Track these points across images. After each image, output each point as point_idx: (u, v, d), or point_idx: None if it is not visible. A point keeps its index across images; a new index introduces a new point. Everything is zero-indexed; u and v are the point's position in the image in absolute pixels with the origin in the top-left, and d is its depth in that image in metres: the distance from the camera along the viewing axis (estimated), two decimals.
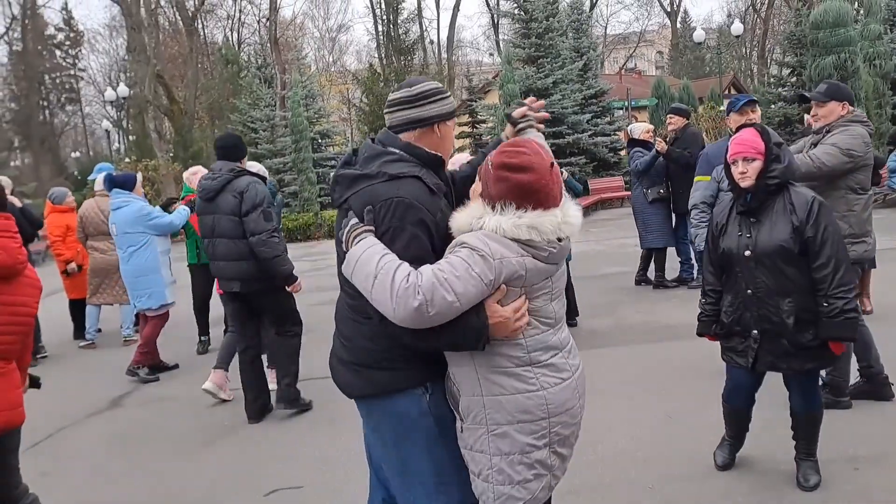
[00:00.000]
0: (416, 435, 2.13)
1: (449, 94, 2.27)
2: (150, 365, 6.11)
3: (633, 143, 8.10)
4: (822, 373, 3.95)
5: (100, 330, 7.64)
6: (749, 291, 3.13)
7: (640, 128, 8.24)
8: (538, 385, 2.05)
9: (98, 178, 7.40)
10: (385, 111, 2.26)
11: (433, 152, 2.17)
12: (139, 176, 6.48)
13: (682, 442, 3.85)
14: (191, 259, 6.86)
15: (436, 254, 2.04)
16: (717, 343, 3.41)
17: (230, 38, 40.52)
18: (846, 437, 3.70)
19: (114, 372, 6.39)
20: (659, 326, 5.93)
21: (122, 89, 26.42)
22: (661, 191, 7.63)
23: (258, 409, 4.79)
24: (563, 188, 2.10)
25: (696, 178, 5.49)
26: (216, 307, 7.14)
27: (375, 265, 1.94)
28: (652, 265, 7.93)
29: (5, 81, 43.84)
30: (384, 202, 2.02)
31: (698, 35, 29.08)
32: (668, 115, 7.88)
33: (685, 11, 52.95)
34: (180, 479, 4.02)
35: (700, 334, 3.44)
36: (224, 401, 5.23)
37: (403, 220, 2.00)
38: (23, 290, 2.64)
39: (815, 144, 3.96)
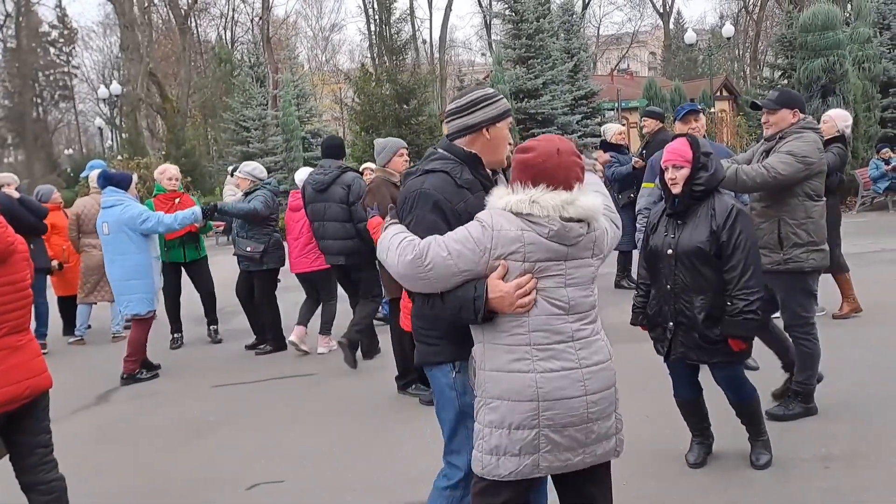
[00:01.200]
0: (445, 404, 2.44)
1: (497, 98, 2.46)
2: (143, 366, 6.10)
3: (605, 145, 8.17)
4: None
5: (89, 326, 7.67)
6: (668, 287, 3.40)
7: (612, 129, 8.31)
8: (531, 367, 2.15)
9: (93, 175, 7.43)
10: (444, 122, 2.56)
11: (469, 150, 2.41)
12: (135, 177, 6.46)
13: (659, 441, 3.91)
14: (192, 256, 6.93)
15: None
16: None
17: (223, 37, 40.50)
18: (817, 437, 3.79)
19: (101, 368, 6.43)
20: (638, 328, 6.00)
21: (116, 87, 26.33)
22: (631, 195, 7.69)
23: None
24: (581, 178, 2.22)
25: (642, 185, 5.57)
26: (186, 305, 7.24)
27: (390, 239, 2.25)
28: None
29: None
30: (411, 193, 2.34)
31: (690, 37, 29.21)
32: (643, 118, 7.93)
33: (678, 13, 53.18)
34: (165, 473, 4.07)
35: (632, 324, 3.71)
36: (305, 352, 6.31)
37: (423, 209, 2.29)
38: (18, 266, 2.81)
39: (767, 152, 3.97)
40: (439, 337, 2.38)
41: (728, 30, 28.32)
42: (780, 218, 3.86)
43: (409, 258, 2.15)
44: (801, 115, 3.95)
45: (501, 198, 2.20)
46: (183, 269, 7.08)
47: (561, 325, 2.18)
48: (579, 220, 2.17)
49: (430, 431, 4.18)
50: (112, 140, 34.21)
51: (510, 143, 2.49)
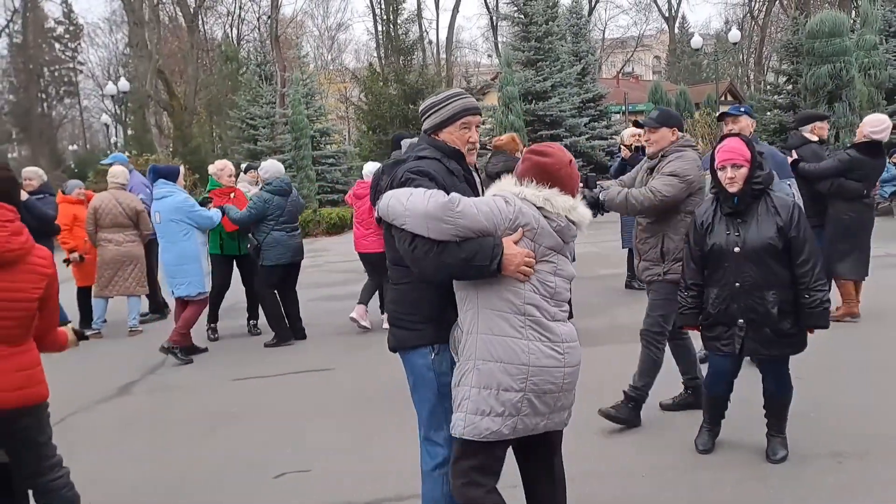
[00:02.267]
0: (424, 385, 2.63)
1: (442, 105, 2.66)
2: (183, 347, 6.40)
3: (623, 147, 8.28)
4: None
5: (105, 321, 7.77)
6: (737, 284, 3.44)
7: (627, 133, 8.42)
8: (525, 335, 2.39)
9: (113, 170, 7.62)
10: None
11: (452, 146, 2.65)
12: (182, 169, 6.87)
13: (674, 433, 4.01)
14: (213, 249, 7.05)
15: None
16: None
17: (230, 35, 40.61)
18: (831, 435, 3.89)
19: (120, 361, 6.54)
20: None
21: (123, 84, 26.44)
22: None
23: None
24: (575, 189, 2.53)
25: None
26: (229, 297, 7.38)
27: (412, 190, 2.41)
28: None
29: (5, 73, 43.81)
30: (411, 169, 2.53)
31: (696, 41, 29.31)
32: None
33: (683, 17, 53.29)
34: (191, 462, 4.16)
35: (681, 326, 3.82)
36: (366, 328, 6.91)
37: (424, 180, 2.47)
38: (21, 276, 2.71)
39: (651, 169, 4.07)
40: (420, 321, 2.57)
41: (735, 35, 28.38)
42: (664, 233, 3.97)
43: (443, 201, 2.33)
44: (680, 134, 4.06)
45: (513, 185, 2.47)
46: (235, 262, 7.25)
47: (547, 305, 2.44)
48: (577, 224, 2.48)
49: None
50: (117, 136, 34.36)
51: (471, 143, 2.66)
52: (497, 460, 2.49)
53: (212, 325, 7.27)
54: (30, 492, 2.87)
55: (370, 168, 7.26)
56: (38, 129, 43.60)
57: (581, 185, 3.33)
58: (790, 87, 19.98)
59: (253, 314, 7.47)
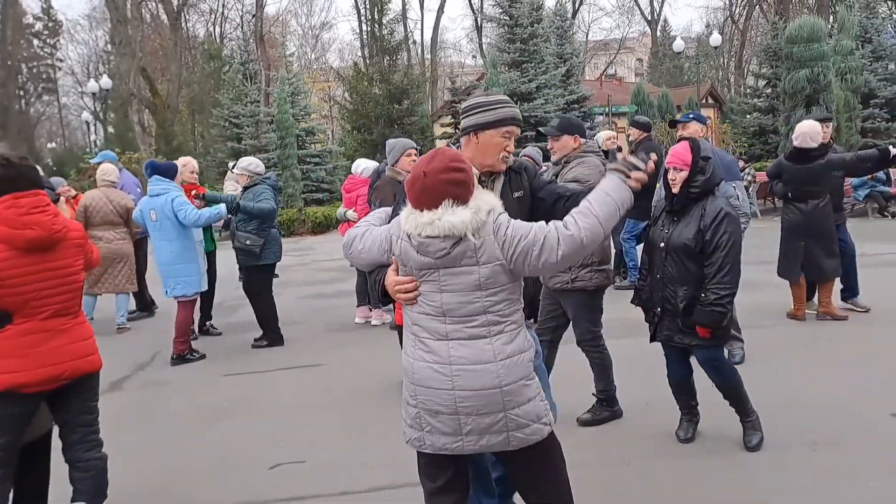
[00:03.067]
0: None
1: (493, 107, 2.64)
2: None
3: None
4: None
5: (92, 318, 7.78)
6: (658, 276, 3.75)
7: (603, 136, 8.68)
8: (413, 354, 2.39)
9: (102, 168, 7.62)
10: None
11: (461, 151, 2.66)
12: (180, 166, 6.74)
13: (659, 425, 4.14)
14: (208, 247, 7.10)
15: None
16: None
17: (213, 33, 40.39)
18: (806, 425, 4.05)
19: (109, 358, 6.44)
20: (623, 323, 6.24)
21: (105, 81, 26.23)
22: None
23: None
24: (453, 193, 2.25)
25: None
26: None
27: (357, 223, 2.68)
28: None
29: None
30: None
31: (677, 45, 29.62)
32: (629, 127, 8.31)
33: (665, 20, 53.76)
34: (186, 455, 4.24)
35: (631, 302, 4.06)
36: (374, 325, 7.15)
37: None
38: (69, 252, 3.01)
39: (555, 176, 4.09)
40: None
41: (716, 38, 28.79)
42: None
43: (344, 243, 2.62)
44: (583, 141, 4.14)
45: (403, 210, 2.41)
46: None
47: (436, 325, 2.33)
48: (443, 237, 2.25)
49: None
50: (96, 134, 34.06)
51: (507, 152, 2.64)
52: (432, 467, 2.45)
53: (206, 323, 7.34)
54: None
55: (362, 164, 7.40)
56: (16, 127, 43.10)
57: None
58: (769, 90, 20.32)
59: (207, 314, 7.41)
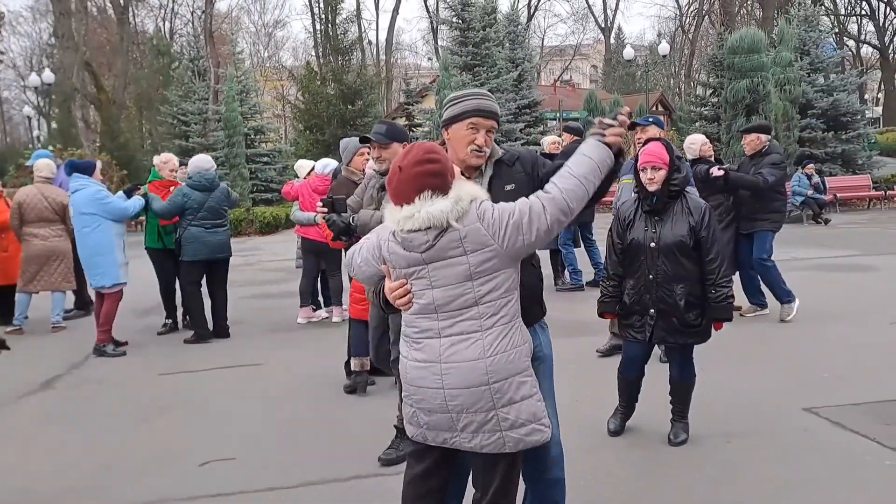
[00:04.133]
0: None
1: (459, 100, 2.62)
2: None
3: (543, 155, 8.75)
4: None
5: (27, 317, 7.61)
6: (651, 276, 3.75)
7: (548, 141, 8.93)
8: (407, 355, 2.39)
9: (38, 163, 7.47)
10: None
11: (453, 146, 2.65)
12: (99, 163, 6.86)
13: (585, 420, 4.27)
14: (152, 243, 7.07)
15: None
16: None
17: (162, 29, 39.62)
18: (723, 418, 4.25)
19: (43, 356, 6.44)
20: (574, 323, 6.41)
21: (48, 75, 25.51)
22: None
23: None
24: (431, 185, 2.23)
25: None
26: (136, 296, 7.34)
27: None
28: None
29: None
30: None
31: (628, 52, 30.36)
32: (562, 133, 8.60)
33: (619, 28, 54.93)
34: (117, 451, 4.20)
35: (601, 314, 4.01)
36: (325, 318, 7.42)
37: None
38: None
39: (383, 187, 3.69)
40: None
41: (664, 48, 29.51)
42: None
43: (346, 262, 2.60)
44: None
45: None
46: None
47: (428, 323, 2.32)
48: (425, 229, 2.23)
49: (377, 413, 4.47)
50: (40, 129, 33.06)
51: (476, 146, 2.56)
52: (419, 451, 2.47)
53: (168, 321, 7.29)
54: None
55: (325, 163, 7.48)
56: None
57: (326, 209, 3.53)
58: (715, 99, 20.89)
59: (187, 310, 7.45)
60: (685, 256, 3.69)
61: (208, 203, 6.73)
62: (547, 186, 2.32)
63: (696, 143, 6.70)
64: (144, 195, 6.74)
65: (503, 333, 2.28)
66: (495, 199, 2.39)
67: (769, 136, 6.72)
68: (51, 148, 17.62)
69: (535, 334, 2.57)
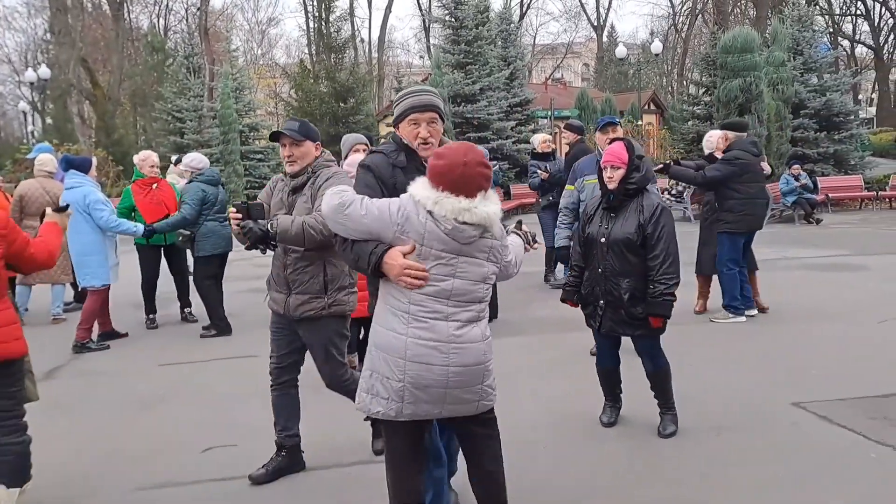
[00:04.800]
0: None
1: (398, 101, 2.89)
2: (102, 333, 6.60)
3: (534, 154, 8.93)
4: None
5: (27, 309, 7.67)
6: (600, 270, 3.92)
7: (539, 139, 9.05)
8: (406, 333, 2.51)
9: (39, 158, 7.54)
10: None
11: (405, 140, 2.85)
12: (95, 160, 6.89)
13: (582, 412, 4.39)
14: (138, 239, 7.12)
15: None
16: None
17: (156, 25, 39.53)
18: (714, 412, 4.36)
19: (43, 347, 6.47)
20: (564, 319, 6.51)
21: (44, 71, 25.45)
22: (551, 198, 8.35)
23: None
24: (485, 187, 2.52)
25: (565, 187, 6.12)
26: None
27: (333, 189, 2.63)
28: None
29: None
30: (359, 165, 2.92)
31: (620, 51, 30.41)
32: (564, 130, 8.71)
33: (612, 26, 54.99)
34: (118, 439, 4.29)
35: (563, 300, 4.21)
36: None
37: (364, 174, 2.83)
38: None
39: (295, 189, 3.54)
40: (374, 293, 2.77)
41: (656, 46, 29.66)
42: (325, 260, 3.45)
43: (335, 203, 2.53)
44: (323, 150, 3.64)
45: (417, 188, 2.53)
46: (163, 252, 7.32)
47: (439, 306, 2.51)
48: (475, 225, 2.48)
49: None
50: (33, 125, 32.98)
51: (421, 138, 2.77)
52: (398, 436, 2.64)
53: (150, 315, 7.36)
54: None
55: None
56: None
57: (240, 216, 3.27)
58: (708, 98, 20.97)
59: (185, 302, 7.55)
60: (631, 252, 3.82)
61: (220, 197, 6.84)
62: (514, 241, 2.83)
63: (711, 139, 6.89)
64: (151, 230, 6.71)
65: (486, 324, 2.66)
66: None
67: (739, 134, 6.66)
68: (55, 142, 17.68)
69: None
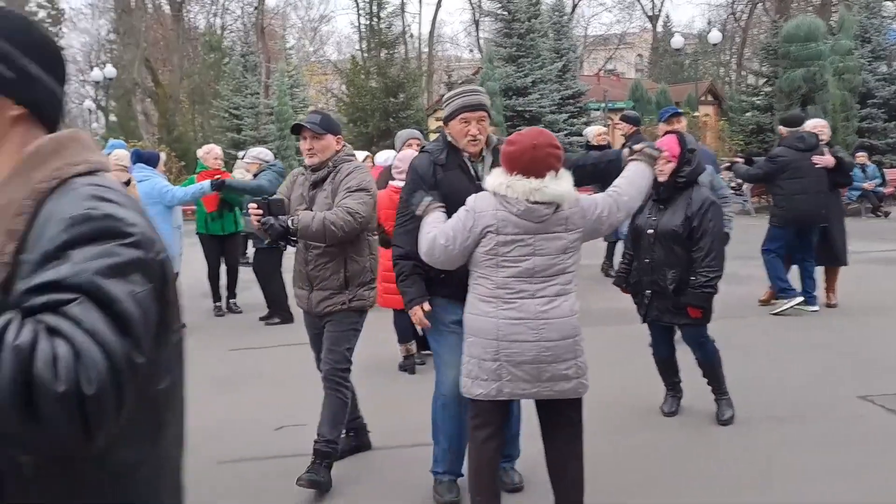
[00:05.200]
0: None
1: (449, 101, 3.11)
2: None
3: (589, 147, 8.88)
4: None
5: None
6: (647, 260, 3.99)
7: (593, 131, 8.98)
8: (497, 315, 2.70)
9: (113, 154, 7.86)
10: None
11: (451, 138, 3.13)
12: (163, 156, 7.20)
13: (641, 403, 4.42)
14: (199, 229, 7.41)
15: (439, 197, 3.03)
16: None
17: (213, 24, 40.50)
18: (776, 403, 4.35)
19: None
20: (622, 311, 6.50)
21: (109, 70, 26.42)
22: None
23: None
24: (555, 167, 2.67)
25: None
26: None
27: (423, 230, 2.92)
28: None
29: None
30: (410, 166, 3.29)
31: (676, 41, 29.74)
32: (619, 121, 8.61)
33: (667, 16, 53.93)
34: (200, 417, 4.35)
35: (615, 284, 4.35)
36: None
37: (411, 177, 3.17)
38: None
39: (315, 184, 3.51)
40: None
41: (715, 36, 28.88)
42: (347, 256, 3.43)
43: (426, 251, 2.84)
44: (344, 143, 3.59)
45: (491, 179, 2.74)
46: (221, 241, 7.58)
47: (524, 285, 2.68)
48: (548, 203, 2.64)
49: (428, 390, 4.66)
50: (97, 122, 34.20)
51: (471, 136, 3.01)
52: (494, 414, 2.82)
53: (217, 303, 7.65)
54: None
55: (387, 156, 7.61)
56: None
57: (261, 212, 3.22)
58: (768, 88, 20.45)
59: (232, 293, 7.78)
60: (678, 245, 3.88)
61: None
62: (615, 191, 2.83)
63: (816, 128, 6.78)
64: (221, 183, 6.80)
65: (575, 299, 2.77)
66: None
67: (792, 129, 6.69)
68: (122, 138, 18.37)
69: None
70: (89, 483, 1.03)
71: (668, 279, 3.91)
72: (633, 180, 2.86)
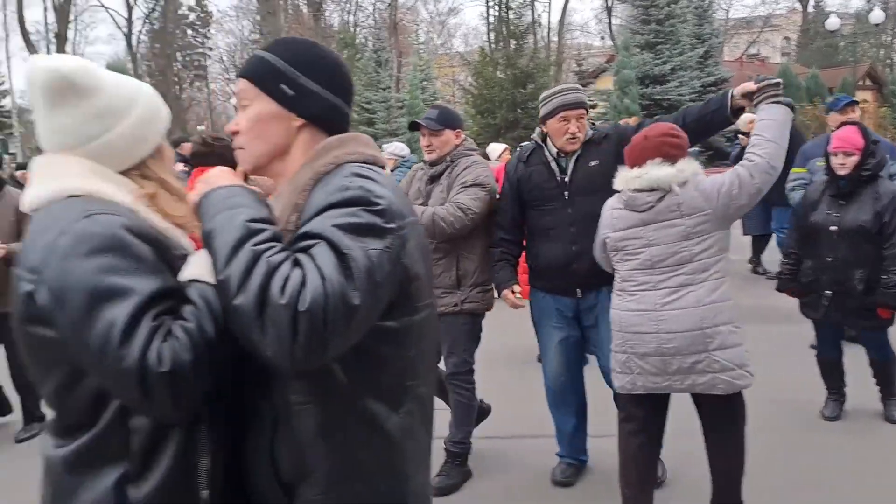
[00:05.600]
0: None
1: (546, 100, 3.14)
2: None
3: (737, 135, 8.38)
4: None
5: None
6: (829, 259, 3.69)
7: (745, 119, 8.37)
8: (620, 306, 2.72)
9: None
10: None
11: (547, 135, 3.21)
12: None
13: (795, 403, 4.17)
14: None
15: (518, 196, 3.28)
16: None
17: (348, 22, 41.92)
18: None
19: None
20: (771, 309, 6.09)
21: None
22: None
23: None
24: (667, 153, 2.59)
25: (792, 170, 5.61)
26: None
27: None
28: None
29: (143, 58, 47.24)
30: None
31: (832, 23, 27.34)
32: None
33: None
34: None
35: (779, 290, 4.03)
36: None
37: (506, 178, 3.36)
38: None
39: (433, 178, 3.39)
40: None
41: (877, 15, 26.37)
42: (459, 254, 3.29)
43: (598, 257, 2.93)
44: (464, 137, 3.44)
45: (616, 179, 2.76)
46: None
47: (645, 277, 2.65)
48: (648, 190, 2.59)
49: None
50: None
51: (570, 134, 3.06)
52: (635, 408, 2.79)
53: None
54: None
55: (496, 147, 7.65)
56: (175, 112, 46.80)
57: None
58: None
59: None
60: (867, 241, 3.62)
61: None
62: (747, 155, 2.60)
63: None
64: None
65: (715, 288, 2.58)
66: (579, 175, 3.06)
67: None
68: None
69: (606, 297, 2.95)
70: (343, 426, 1.26)
71: (855, 278, 3.65)
72: (768, 128, 2.56)
